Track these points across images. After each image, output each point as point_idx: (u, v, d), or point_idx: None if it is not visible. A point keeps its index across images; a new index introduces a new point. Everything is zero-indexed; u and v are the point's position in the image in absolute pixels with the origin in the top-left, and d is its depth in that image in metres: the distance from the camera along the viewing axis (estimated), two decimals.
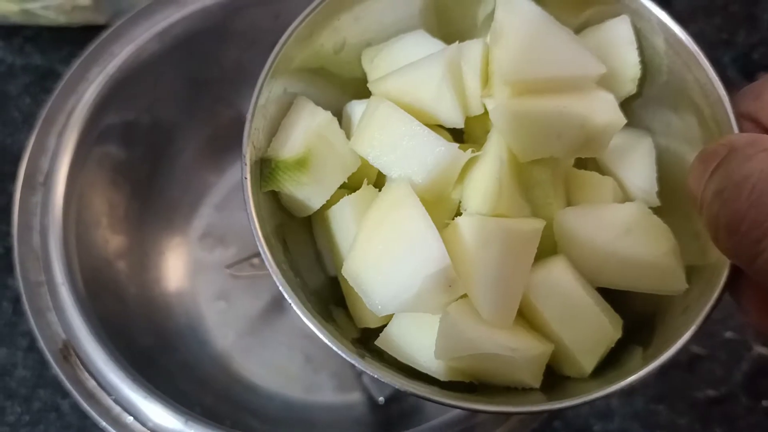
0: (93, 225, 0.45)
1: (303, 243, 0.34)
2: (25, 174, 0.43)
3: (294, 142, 0.31)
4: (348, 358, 0.28)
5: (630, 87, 0.33)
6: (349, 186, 0.32)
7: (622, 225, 0.30)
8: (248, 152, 0.30)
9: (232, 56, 0.52)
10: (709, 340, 0.56)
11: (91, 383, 0.39)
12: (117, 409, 0.38)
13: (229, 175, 0.56)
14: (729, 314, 0.56)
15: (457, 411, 0.39)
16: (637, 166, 0.33)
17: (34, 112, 0.63)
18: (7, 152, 0.60)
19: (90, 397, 0.38)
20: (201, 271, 0.53)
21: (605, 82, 0.31)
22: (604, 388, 0.28)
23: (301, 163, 0.31)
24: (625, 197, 0.33)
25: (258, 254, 0.50)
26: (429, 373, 0.29)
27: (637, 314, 0.32)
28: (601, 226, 0.30)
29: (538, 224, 0.30)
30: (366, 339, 0.31)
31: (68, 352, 0.39)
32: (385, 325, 0.31)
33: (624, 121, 0.31)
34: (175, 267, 0.53)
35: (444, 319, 0.28)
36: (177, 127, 0.53)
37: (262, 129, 0.31)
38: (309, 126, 0.32)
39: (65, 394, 0.52)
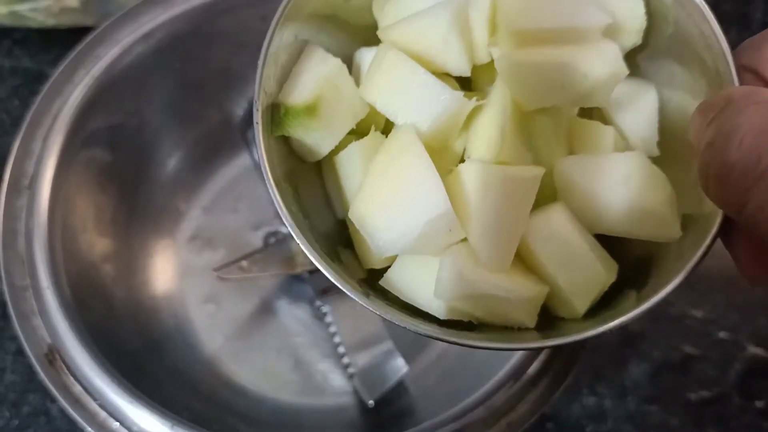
0: (79, 229, 0.45)
1: (313, 187, 0.35)
2: (10, 177, 0.43)
3: (304, 89, 0.32)
4: (352, 296, 0.29)
5: (635, 38, 0.33)
6: (358, 132, 0.33)
7: (620, 174, 0.31)
8: (260, 98, 0.30)
9: (218, 58, 0.52)
10: (702, 340, 0.56)
11: (77, 388, 0.38)
12: (103, 414, 0.38)
13: (218, 177, 0.56)
14: (722, 315, 0.56)
15: (447, 413, 0.39)
16: (639, 117, 0.34)
17: (23, 115, 0.62)
18: None
19: (75, 401, 0.38)
20: (189, 274, 0.53)
21: (611, 32, 0.32)
22: (596, 328, 0.29)
23: (310, 109, 0.31)
24: (626, 146, 0.33)
25: (246, 257, 0.50)
26: (429, 311, 0.30)
27: (633, 259, 0.32)
28: (600, 175, 0.31)
29: (538, 171, 0.31)
30: (372, 280, 0.32)
31: (53, 356, 0.39)
32: (389, 267, 0.32)
33: (626, 72, 0.31)
34: (163, 270, 0.52)
35: (443, 261, 0.29)
36: (164, 129, 0.53)
37: (273, 75, 0.32)
38: (319, 73, 0.32)
39: (55, 399, 0.52)
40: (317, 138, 0.32)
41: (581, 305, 0.31)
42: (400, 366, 0.48)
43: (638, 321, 0.55)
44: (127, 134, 0.50)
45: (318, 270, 0.46)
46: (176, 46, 0.49)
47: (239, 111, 0.56)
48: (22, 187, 0.43)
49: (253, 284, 0.52)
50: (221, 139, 0.55)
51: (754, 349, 0.55)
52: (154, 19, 0.47)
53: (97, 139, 0.47)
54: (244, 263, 0.49)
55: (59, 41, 0.66)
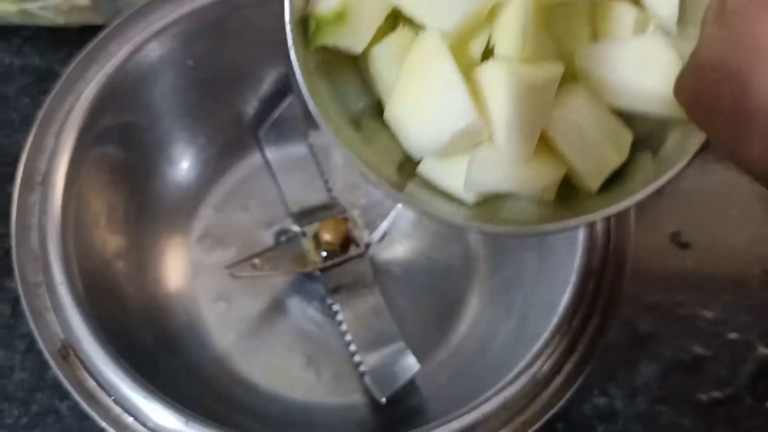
0: (91, 225, 0.45)
1: (349, 72, 0.36)
2: (23, 174, 0.43)
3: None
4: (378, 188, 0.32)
5: None
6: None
7: (638, 59, 0.32)
8: (291, 14, 0.32)
9: (230, 56, 0.52)
10: (712, 340, 0.56)
11: (91, 383, 0.38)
12: (117, 409, 0.38)
13: (229, 175, 0.56)
14: (733, 315, 0.56)
15: (459, 411, 0.39)
16: None
17: (33, 113, 0.62)
18: (5, 154, 0.60)
19: (90, 397, 0.38)
20: (200, 271, 0.53)
21: None
22: (607, 207, 0.31)
23: (340, 16, 0.33)
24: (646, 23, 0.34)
25: (258, 255, 0.50)
26: (460, 197, 0.34)
27: (649, 128, 0.34)
28: (618, 61, 0.32)
29: (557, 71, 0.32)
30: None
31: (67, 352, 0.39)
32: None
33: None
34: (175, 267, 0.52)
35: (471, 160, 0.32)
36: (175, 127, 0.53)
37: None
38: None
39: (64, 397, 0.52)
40: (349, 41, 0.34)
41: (594, 183, 0.33)
42: (411, 364, 0.48)
43: (648, 322, 0.55)
44: (139, 131, 0.50)
45: (329, 268, 0.48)
46: (188, 43, 0.49)
47: (250, 109, 0.56)
48: (34, 184, 0.43)
49: (265, 282, 0.52)
50: (233, 137, 0.55)
51: (765, 350, 0.55)
52: (166, 16, 0.47)
53: (109, 136, 0.47)
54: (256, 261, 0.49)
55: (69, 40, 0.66)
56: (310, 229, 0.51)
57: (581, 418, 0.53)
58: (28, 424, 0.51)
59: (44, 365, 0.53)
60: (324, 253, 0.50)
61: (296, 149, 0.57)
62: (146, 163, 0.51)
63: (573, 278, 0.41)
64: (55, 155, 0.43)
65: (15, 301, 0.55)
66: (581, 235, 0.42)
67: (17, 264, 0.41)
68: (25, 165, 0.43)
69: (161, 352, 0.46)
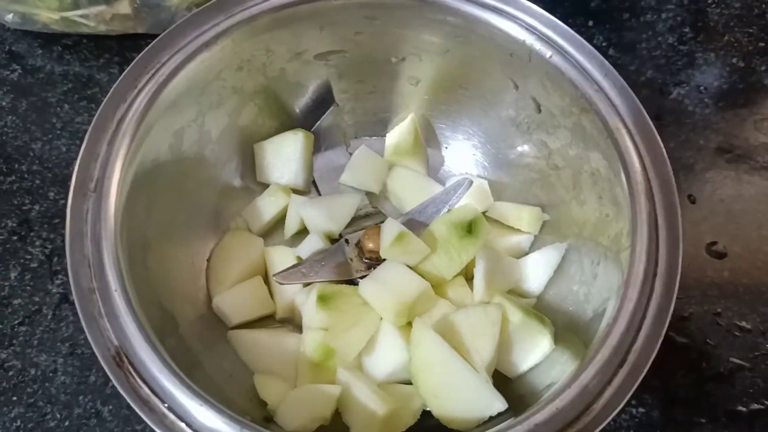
0: (142, 232, 0.45)
1: None
2: (75, 181, 0.43)
3: None
4: None
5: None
6: None
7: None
8: None
9: (277, 66, 0.52)
10: (750, 351, 0.55)
11: (145, 390, 0.38)
12: (171, 416, 0.38)
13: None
14: None
15: (510, 424, 0.39)
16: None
17: (73, 118, 0.63)
18: (46, 158, 0.61)
19: (144, 404, 0.38)
20: None
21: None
22: None
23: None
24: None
25: (304, 262, 0.50)
26: None
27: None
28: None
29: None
30: None
31: (121, 358, 0.39)
32: None
33: None
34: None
35: None
36: (224, 135, 0.53)
37: None
38: None
39: (105, 401, 0.52)
40: None
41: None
42: None
43: (685, 332, 0.55)
44: (189, 139, 0.50)
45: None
46: (237, 53, 0.49)
47: (296, 117, 0.57)
48: (87, 191, 0.43)
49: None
50: None
51: None
52: (216, 27, 0.47)
53: (160, 143, 0.47)
54: (303, 269, 0.49)
55: (108, 47, 0.67)
56: (354, 237, 0.52)
57: (618, 428, 0.53)
58: (70, 427, 0.51)
59: (87, 369, 0.54)
60: (367, 261, 0.51)
61: (337, 157, 0.58)
62: (196, 170, 0.52)
63: (628, 290, 0.41)
64: (108, 162, 0.43)
65: (56, 306, 0.55)
66: (645, 245, 0.42)
67: (71, 270, 0.41)
68: (78, 172, 0.43)
69: (209, 360, 0.47)
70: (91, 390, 0.53)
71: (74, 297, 0.40)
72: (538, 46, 0.48)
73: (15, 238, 0.58)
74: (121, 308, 0.40)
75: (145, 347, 0.39)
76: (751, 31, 0.70)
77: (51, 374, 0.53)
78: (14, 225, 0.58)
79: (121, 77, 0.45)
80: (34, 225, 0.58)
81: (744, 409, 0.54)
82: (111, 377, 0.39)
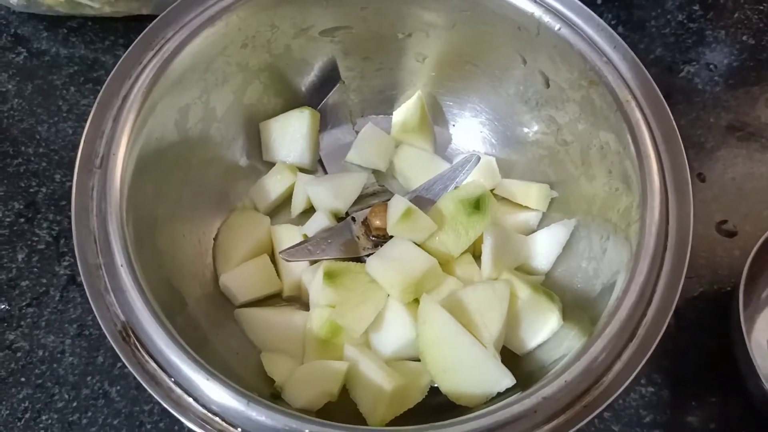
0: (148, 208, 0.45)
1: None
2: (80, 157, 0.42)
3: None
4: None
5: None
6: None
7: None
8: None
9: (282, 42, 0.52)
10: None
11: (151, 365, 0.38)
12: (178, 390, 0.38)
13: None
14: None
15: (520, 397, 0.38)
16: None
17: (79, 101, 0.63)
18: (52, 141, 0.61)
19: (151, 378, 0.38)
20: None
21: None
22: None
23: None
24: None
25: (311, 240, 0.50)
26: None
27: None
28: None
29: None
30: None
31: (127, 333, 0.39)
32: None
33: None
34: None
35: None
36: (230, 113, 0.53)
37: None
38: None
39: (113, 382, 0.52)
40: None
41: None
42: None
43: (695, 311, 0.55)
44: (194, 116, 0.50)
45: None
46: (242, 29, 0.49)
47: (302, 94, 0.56)
48: (93, 167, 0.43)
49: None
50: None
51: None
52: (221, 2, 0.47)
53: (165, 120, 0.47)
54: (309, 246, 0.49)
55: (114, 29, 0.66)
56: (360, 215, 0.52)
57: (627, 407, 0.53)
58: (78, 407, 0.51)
59: (94, 349, 0.54)
60: (374, 239, 0.50)
61: (344, 135, 0.58)
62: (201, 148, 0.51)
63: (639, 263, 0.41)
64: (114, 138, 0.43)
65: (64, 287, 0.55)
66: (656, 217, 0.42)
67: (77, 245, 0.41)
68: (83, 149, 0.43)
69: (216, 336, 0.46)
70: (98, 371, 0.53)
71: (80, 272, 0.40)
72: (546, 18, 0.47)
73: (22, 220, 0.58)
74: (127, 283, 0.40)
75: (151, 321, 0.39)
76: (761, 8, 0.70)
77: (59, 355, 0.53)
78: (21, 207, 0.58)
79: (125, 53, 0.45)
80: (41, 207, 0.58)
81: None
82: (118, 351, 0.38)
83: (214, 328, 0.47)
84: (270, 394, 0.45)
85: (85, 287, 0.40)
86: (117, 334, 0.39)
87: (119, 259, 0.40)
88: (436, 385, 0.45)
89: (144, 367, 0.38)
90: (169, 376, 0.38)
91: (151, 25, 0.46)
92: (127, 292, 0.39)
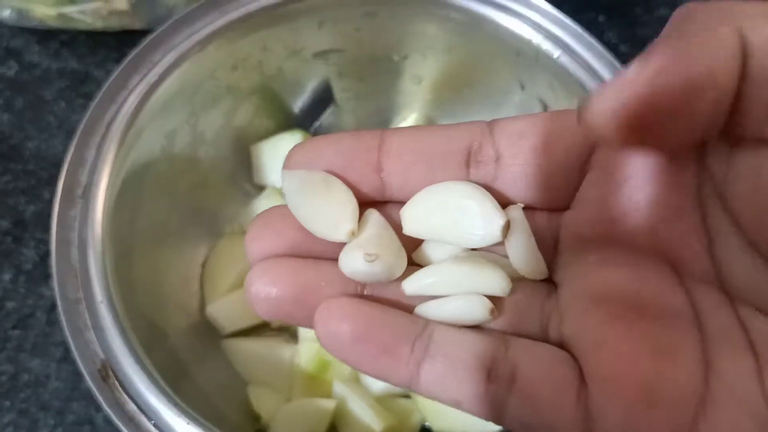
0: (132, 240, 0.44)
1: None
2: (63, 187, 0.41)
3: None
4: None
5: None
6: None
7: None
8: None
9: (274, 64, 0.51)
10: None
11: (131, 406, 0.37)
12: None
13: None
14: None
15: None
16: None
17: (70, 116, 0.62)
18: (42, 157, 0.59)
19: (130, 420, 0.37)
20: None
21: None
22: None
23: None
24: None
25: None
26: None
27: None
28: None
29: None
30: None
31: (107, 372, 0.38)
32: None
33: None
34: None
35: None
36: (219, 137, 0.52)
37: None
38: None
39: (99, 408, 0.51)
40: None
41: None
42: None
43: None
44: (182, 140, 0.48)
45: None
46: (232, 51, 0.47)
47: (294, 117, 0.55)
48: (75, 197, 0.41)
49: None
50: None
51: None
52: (210, 25, 0.46)
53: (152, 145, 0.46)
54: None
55: (106, 44, 0.65)
56: None
57: None
58: None
59: (80, 375, 0.52)
60: None
61: None
62: (188, 173, 0.50)
63: None
64: (96, 167, 0.42)
65: (50, 309, 0.54)
66: None
67: (57, 280, 0.40)
68: (66, 177, 0.42)
69: (199, 369, 0.45)
70: (84, 396, 0.52)
71: (59, 308, 0.39)
72: (545, 45, 0.46)
73: (9, 239, 0.57)
74: (107, 321, 0.38)
75: (131, 362, 0.38)
76: None
77: (44, 379, 0.52)
78: (9, 225, 0.57)
79: (111, 78, 0.44)
80: (29, 225, 0.57)
81: None
82: (95, 393, 0.37)
83: (199, 361, 0.46)
84: (255, 430, 0.44)
85: (65, 324, 0.39)
86: (96, 373, 0.38)
87: (99, 294, 0.39)
88: (427, 424, 0.44)
89: (123, 408, 0.37)
90: (149, 419, 0.37)
91: (137, 48, 0.45)
92: (107, 330, 0.38)
